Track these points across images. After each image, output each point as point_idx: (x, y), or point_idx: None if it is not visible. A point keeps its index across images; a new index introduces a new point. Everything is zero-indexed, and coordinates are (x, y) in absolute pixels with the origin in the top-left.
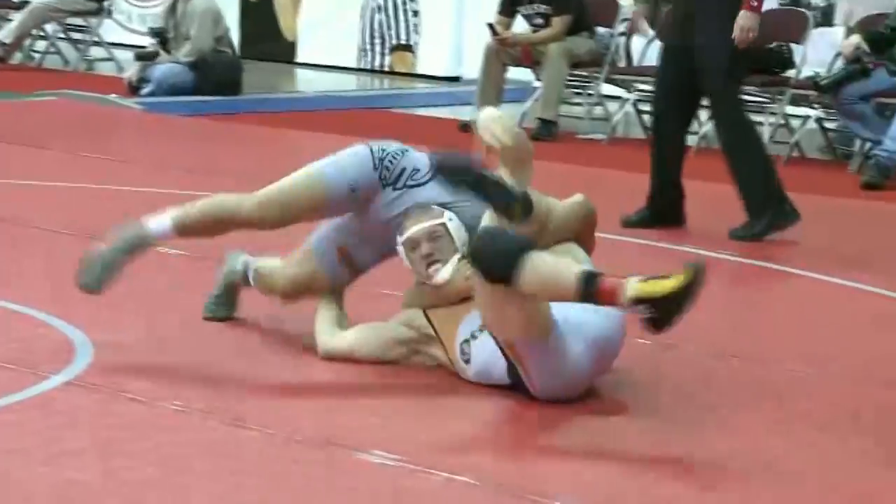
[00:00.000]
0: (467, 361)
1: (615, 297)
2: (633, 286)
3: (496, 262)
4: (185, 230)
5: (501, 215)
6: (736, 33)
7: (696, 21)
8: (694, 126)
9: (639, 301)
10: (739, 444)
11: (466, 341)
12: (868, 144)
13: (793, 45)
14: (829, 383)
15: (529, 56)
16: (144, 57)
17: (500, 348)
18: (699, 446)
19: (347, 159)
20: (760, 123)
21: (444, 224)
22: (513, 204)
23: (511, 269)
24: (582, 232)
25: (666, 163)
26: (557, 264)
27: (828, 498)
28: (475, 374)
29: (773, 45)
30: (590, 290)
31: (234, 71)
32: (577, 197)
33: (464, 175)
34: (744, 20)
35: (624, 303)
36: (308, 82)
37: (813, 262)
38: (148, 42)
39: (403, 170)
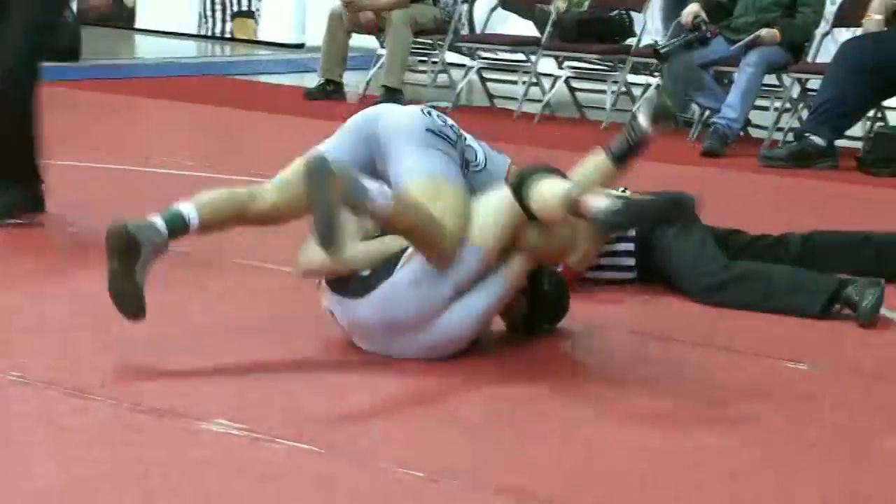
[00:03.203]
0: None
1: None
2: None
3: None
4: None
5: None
6: None
7: None
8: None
9: None
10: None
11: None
12: (707, 112)
13: (633, 14)
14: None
15: (375, 25)
16: None
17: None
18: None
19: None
20: (602, 91)
21: None
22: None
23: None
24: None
25: None
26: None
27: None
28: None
29: (614, 13)
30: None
31: (72, 37)
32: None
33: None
34: None
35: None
36: (147, 49)
37: None
38: None
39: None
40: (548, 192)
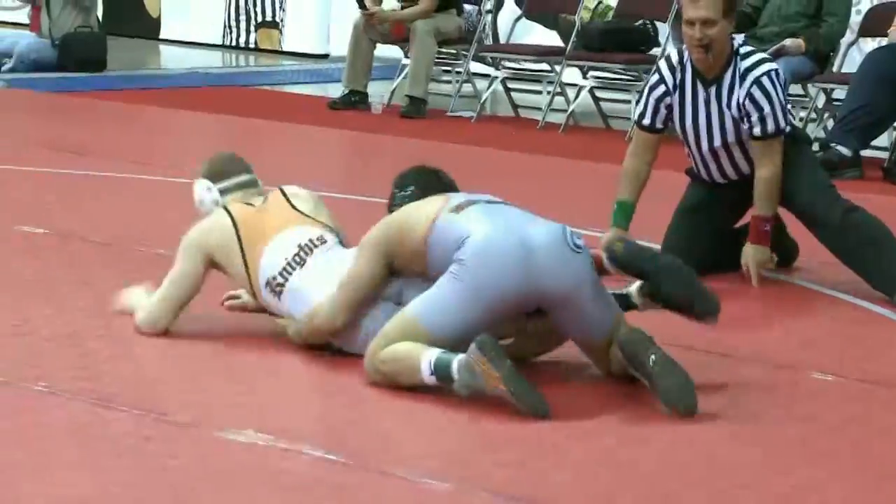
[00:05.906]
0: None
1: None
2: None
3: None
4: None
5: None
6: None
7: None
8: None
9: None
10: None
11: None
12: None
13: (657, 23)
14: None
15: (402, 30)
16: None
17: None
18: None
19: None
20: (627, 101)
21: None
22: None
23: None
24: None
25: None
26: None
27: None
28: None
29: (638, 22)
30: None
31: (98, 47)
32: None
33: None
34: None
35: None
36: (173, 59)
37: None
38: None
39: None
40: None
